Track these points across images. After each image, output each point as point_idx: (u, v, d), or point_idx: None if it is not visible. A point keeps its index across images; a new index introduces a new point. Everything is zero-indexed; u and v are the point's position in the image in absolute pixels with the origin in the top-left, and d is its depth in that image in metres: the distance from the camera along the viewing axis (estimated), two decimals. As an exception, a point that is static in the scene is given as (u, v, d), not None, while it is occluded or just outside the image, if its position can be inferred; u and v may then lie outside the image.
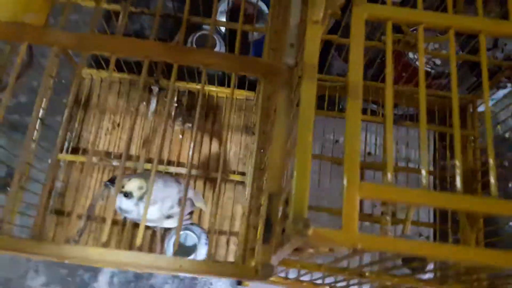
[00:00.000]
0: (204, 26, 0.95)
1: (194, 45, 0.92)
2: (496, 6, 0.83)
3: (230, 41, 0.95)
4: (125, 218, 0.83)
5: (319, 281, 0.63)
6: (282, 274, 0.66)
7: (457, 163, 0.26)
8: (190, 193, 0.74)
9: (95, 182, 0.90)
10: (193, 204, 0.75)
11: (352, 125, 0.30)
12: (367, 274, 0.45)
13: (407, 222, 0.71)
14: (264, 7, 0.97)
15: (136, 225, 0.86)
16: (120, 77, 0.96)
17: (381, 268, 0.46)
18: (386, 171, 0.29)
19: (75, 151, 0.92)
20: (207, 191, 0.93)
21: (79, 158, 0.91)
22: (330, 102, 0.92)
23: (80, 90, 0.96)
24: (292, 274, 0.66)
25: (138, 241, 0.35)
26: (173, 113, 0.94)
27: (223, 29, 0.96)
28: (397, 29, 0.77)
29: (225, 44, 0.95)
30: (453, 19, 0.32)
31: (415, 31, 0.80)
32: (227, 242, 0.89)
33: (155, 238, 0.84)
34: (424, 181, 0.27)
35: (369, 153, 0.94)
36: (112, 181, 0.65)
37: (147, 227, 0.83)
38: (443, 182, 0.88)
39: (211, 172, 0.93)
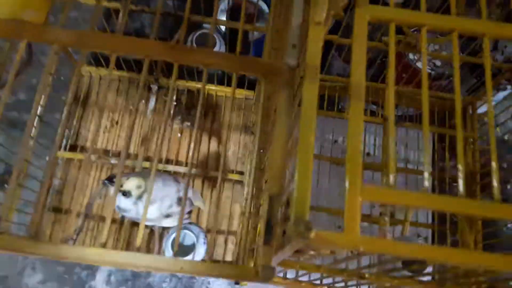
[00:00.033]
0: (204, 25, 0.95)
1: (194, 44, 0.92)
2: (497, 7, 0.83)
3: (230, 40, 0.95)
4: (122, 217, 0.83)
5: (318, 282, 0.62)
6: (281, 274, 0.66)
7: (460, 167, 0.26)
8: (189, 192, 0.74)
9: (93, 180, 0.90)
10: (191, 203, 0.75)
11: (354, 127, 0.29)
12: (366, 276, 0.45)
13: (406, 223, 0.71)
14: (264, 6, 0.97)
15: (134, 223, 0.86)
16: (119, 75, 0.96)
17: (381, 270, 0.46)
18: (387, 173, 0.28)
19: (73, 148, 0.92)
20: (206, 189, 0.93)
21: (77, 155, 0.90)
22: (329, 102, 0.92)
23: (79, 87, 0.96)
24: (291, 274, 0.66)
25: (138, 241, 0.35)
26: (172, 112, 0.94)
27: (223, 28, 0.96)
28: (397, 30, 0.77)
29: (225, 43, 0.95)
30: (457, 21, 0.32)
31: (415, 32, 0.80)
32: (225, 241, 0.89)
33: (152, 237, 0.84)
34: (426, 183, 0.26)
35: (368, 154, 0.93)
36: (110, 179, 0.64)
37: (145, 226, 0.83)
38: (442, 183, 0.88)
39: (209, 171, 0.93)
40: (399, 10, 0.33)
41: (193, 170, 0.91)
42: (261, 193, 0.47)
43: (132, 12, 0.71)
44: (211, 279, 0.89)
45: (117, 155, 0.92)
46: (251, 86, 0.96)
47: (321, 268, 0.50)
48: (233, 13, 0.97)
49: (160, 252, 0.80)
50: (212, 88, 0.97)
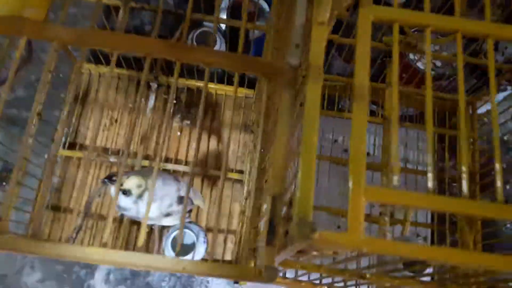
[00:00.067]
0: (205, 23, 0.94)
1: (195, 42, 0.92)
2: (498, 8, 0.83)
3: (231, 39, 0.95)
4: (121, 215, 0.83)
5: (317, 281, 0.62)
6: (280, 274, 0.66)
7: (464, 168, 0.26)
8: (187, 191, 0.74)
9: (92, 178, 0.90)
10: (191, 202, 0.75)
11: (358, 128, 0.29)
12: (367, 276, 0.45)
13: (406, 223, 0.71)
14: (264, 5, 0.96)
15: (133, 222, 0.85)
16: (119, 72, 0.96)
17: (382, 270, 0.46)
18: (388, 173, 0.28)
19: (72, 146, 0.91)
20: (205, 188, 0.93)
21: (76, 153, 0.90)
22: (329, 102, 0.92)
23: (78, 85, 0.95)
24: (290, 274, 0.66)
25: (140, 240, 0.34)
26: (171, 110, 0.93)
27: (223, 26, 0.95)
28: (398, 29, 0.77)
29: (225, 41, 0.94)
30: (461, 22, 0.32)
31: (416, 32, 0.80)
32: (225, 240, 0.89)
33: (152, 236, 0.84)
34: (430, 184, 0.26)
35: (368, 154, 0.93)
36: (109, 178, 0.64)
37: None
38: (441, 183, 0.88)
39: (209, 170, 0.92)
40: (403, 11, 0.33)
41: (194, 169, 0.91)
42: (261, 192, 0.47)
43: (132, 9, 0.71)
44: (210, 278, 0.89)
45: (116, 153, 0.92)
46: (251, 84, 0.96)
47: (322, 268, 0.50)
48: (233, 11, 0.96)
49: (159, 251, 0.80)
50: (212, 86, 0.97)
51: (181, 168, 0.91)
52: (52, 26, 0.42)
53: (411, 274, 0.52)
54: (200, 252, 0.74)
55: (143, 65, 0.97)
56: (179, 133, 0.94)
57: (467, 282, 0.49)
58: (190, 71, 0.94)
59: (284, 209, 0.32)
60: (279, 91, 0.41)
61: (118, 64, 0.94)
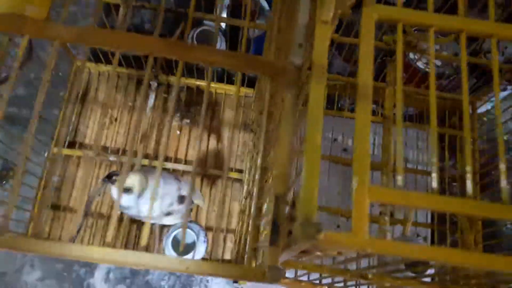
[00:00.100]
0: (205, 22, 0.94)
1: (195, 41, 0.91)
2: (498, 8, 0.83)
3: (231, 37, 0.95)
4: (121, 214, 0.83)
5: (317, 281, 0.62)
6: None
7: (468, 168, 0.26)
8: (189, 190, 0.74)
9: (92, 177, 0.90)
10: (191, 201, 0.75)
11: (362, 127, 0.29)
12: (370, 276, 0.45)
13: (408, 223, 0.71)
14: (264, 3, 0.96)
15: (132, 221, 0.85)
16: (118, 71, 0.95)
17: (384, 270, 0.46)
18: (396, 174, 0.28)
19: (71, 145, 0.91)
20: (205, 187, 0.92)
21: (76, 152, 0.90)
22: (329, 101, 0.92)
23: (77, 84, 0.95)
24: (290, 273, 0.66)
25: (144, 240, 0.34)
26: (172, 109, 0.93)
27: (223, 25, 0.95)
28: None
29: (225, 40, 0.94)
30: (465, 22, 0.32)
31: (416, 31, 0.80)
32: (224, 239, 0.89)
33: (152, 235, 0.84)
34: (435, 185, 0.26)
35: (368, 153, 0.93)
36: (109, 177, 0.64)
37: (144, 224, 0.82)
38: (441, 183, 0.88)
39: (208, 169, 0.92)
40: (407, 10, 0.33)
41: (193, 168, 0.91)
42: (262, 192, 0.47)
43: (133, 7, 0.71)
44: (210, 278, 0.89)
45: (116, 152, 0.91)
46: (250, 83, 0.96)
47: (324, 268, 0.50)
48: (233, 10, 0.96)
49: (159, 250, 0.80)
50: (212, 85, 0.96)
51: (180, 167, 0.90)
52: (54, 25, 0.42)
53: (413, 275, 0.52)
54: (200, 251, 0.74)
55: (142, 63, 0.97)
56: (178, 132, 0.94)
57: (468, 283, 0.49)
58: (189, 70, 0.94)
59: (287, 209, 0.32)
60: (281, 90, 0.41)
61: (118, 63, 0.94)
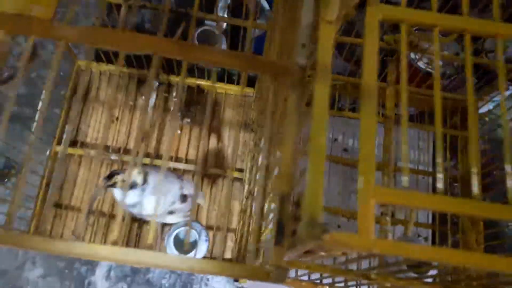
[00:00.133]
0: (206, 22, 0.94)
1: (196, 41, 0.91)
2: (499, 8, 0.83)
3: (232, 37, 0.95)
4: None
5: (318, 281, 0.62)
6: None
7: (474, 170, 0.26)
8: (191, 189, 0.74)
9: (93, 175, 0.90)
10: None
11: (367, 127, 0.29)
12: (373, 276, 0.45)
13: (409, 223, 0.71)
14: (265, 3, 0.96)
15: (134, 220, 0.85)
16: (120, 70, 0.95)
17: (386, 271, 0.46)
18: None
19: (73, 144, 0.91)
20: (205, 186, 0.92)
21: (77, 151, 0.90)
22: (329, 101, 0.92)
23: (80, 83, 0.95)
24: (290, 273, 0.66)
25: (150, 238, 0.34)
26: (172, 108, 0.93)
27: (223, 24, 0.95)
28: (398, 28, 0.77)
29: (226, 39, 0.94)
30: (469, 22, 0.32)
31: (417, 31, 0.80)
32: (224, 238, 0.89)
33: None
34: (440, 186, 0.26)
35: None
36: (110, 176, 0.64)
37: (145, 222, 0.82)
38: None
39: (209, 168, 0.92)
40: (411, 10, 0.33)
41: (194, 167, 0.91)
42: (265, 192, 0.47)
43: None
44: (210, 276, 0.89)
45: (117, 150, 0.92)
46: (250, 83, 0.96)
47: (327, 269, 0.50)
48: (234, 9, 0.96)
49: (161, 248, 0.80)
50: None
51: (181, 166, 0.90)
52: (60, 26, 0.42)
53: (415, 275, 0.52)
54: (202, 250, 0.74)
55: (143, 63, 0.97)
56: (179, 131, 0.94)
57: (470, 284, 0.49)
58: (190, 70, 0.94)
59: (292, 209, 0.32)
60: (284, 90, 0.41)
61: (122, 63, 0.94)
